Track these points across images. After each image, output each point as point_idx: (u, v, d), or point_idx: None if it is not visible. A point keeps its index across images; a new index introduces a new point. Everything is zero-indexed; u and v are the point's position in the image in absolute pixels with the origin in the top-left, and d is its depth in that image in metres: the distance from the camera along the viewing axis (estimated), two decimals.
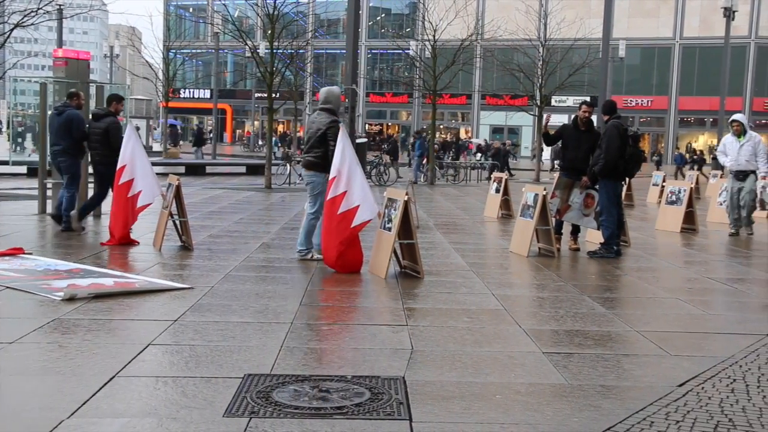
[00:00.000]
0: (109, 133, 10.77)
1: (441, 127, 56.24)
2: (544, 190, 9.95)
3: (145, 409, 3.99)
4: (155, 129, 58.14)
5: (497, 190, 15.46)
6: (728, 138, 12.99)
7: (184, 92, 62.54)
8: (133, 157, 9.88)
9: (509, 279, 8.65)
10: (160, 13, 53.79)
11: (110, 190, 10.62)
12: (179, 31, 45.12)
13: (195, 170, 27.27)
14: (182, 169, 26.47)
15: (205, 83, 62.67)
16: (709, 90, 48.67)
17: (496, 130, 59.29)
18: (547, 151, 36.92)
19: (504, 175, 16.19)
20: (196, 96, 65.84)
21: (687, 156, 38.25)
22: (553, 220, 10.18)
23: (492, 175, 18.26)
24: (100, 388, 4.25)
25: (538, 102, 31.23)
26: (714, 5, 42.28)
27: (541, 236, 10.07)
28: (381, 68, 64.29)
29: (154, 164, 10.72)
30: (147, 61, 40.23)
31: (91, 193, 11.78)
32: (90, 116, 11.43)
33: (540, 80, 31.26)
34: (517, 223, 10.45)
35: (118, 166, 9.96)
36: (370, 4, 62.38)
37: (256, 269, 8.44)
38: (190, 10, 63.66)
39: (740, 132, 12.68)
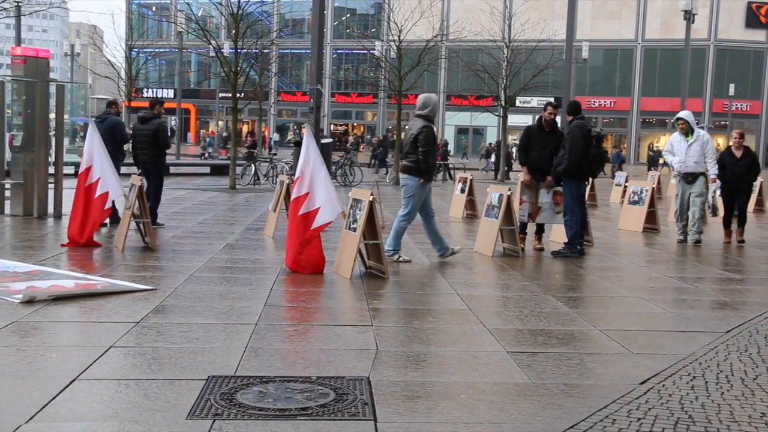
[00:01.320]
0: (158, 134, 11.81)
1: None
2: (509, 190, 10.00)
3: (106, 412, 3.94)
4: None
5: (462, 191, 15.52)
6: (675, 137, 12.04)
7: (147, 92, 61.84)
8: (99, 157, 9.76)
9: (474, 279, 8.68)
10: (122, 12, 53.02)
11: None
12: (142, 30, 44.64)
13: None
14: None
15: (168, 83, 62.08)
16: (670, 91, 49.35)
17: (461, 131, 59.57)
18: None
19: (469, 176, 16.24)
20: (159, 95, 65.16)
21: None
22: (518, 221, 10.23)
23: (458, 176, 18.30)
24: (60, 392, 4.19)
25: (503, 103, 31.42)
26: (674, 8, 42.96)
27: (505, 236, 10.13)
28: (346, 68, 64.23)
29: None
30: (109, 60, 39.67)
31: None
32: (137, 120, 12.20)
33: (504, 81, 31.46)
34: (482, 223, 10.50)
35: (83, 167, 9.84)
36: (335, 4, 62.29)
37: (220, 270, 8.38)
38: (153, 8, 63.00)
39: (686, 130, 11.75)
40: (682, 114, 12.06)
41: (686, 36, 29.95)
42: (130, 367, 4.82)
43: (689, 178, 11.76)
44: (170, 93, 62.06)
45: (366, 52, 43.19)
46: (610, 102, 56.66)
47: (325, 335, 5.75)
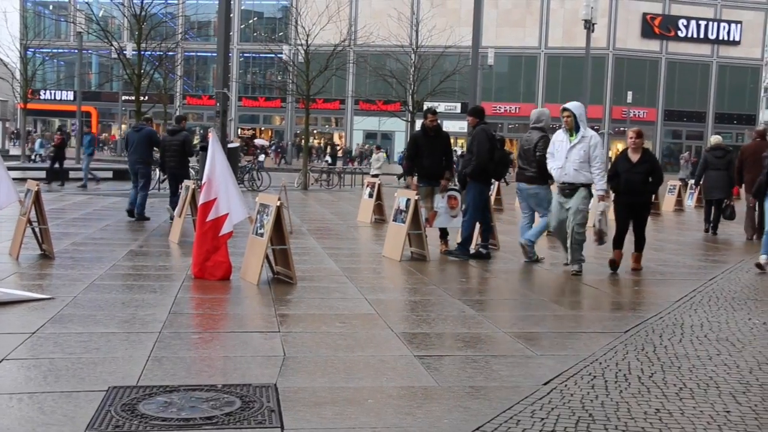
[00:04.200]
0: (185, 145, 13.94)
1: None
2: (417, 195, 10.09)
3: None
4: (14, 132, 55.39)
5: (370, 195, 15.56)
6: (558, 135, 9.34)
7: (45, 93, 59.80)
8: None
9: (382, 283, 8.71)
10: (15, 10, 51.02)
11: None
12: (38, 30, 43.09)
13: (57, 175, 26.01)
14: (42, 174, 25.23)
15: (67, 84, 60.14)
16: (572, 97, 49.47)
17: (370, 135, 59.84)
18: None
19: (377, 181, 16.29)
20: (58, 98, 63.08)
21: None
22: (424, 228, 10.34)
23: (366, 180, 18.35)
24: None
25: (411, 108, 31.71)
26: (575, 18, 44.23)
27: (413, 240, 10.20)
28: (254, 72, 63.62)
29: (11, 169, 10.20)
30: (1, 60, 38.07)
31: None
32: (166, 132, 14.68)
33: (412, 86, 31.78)
34: (390, 227, 10.55)
35: None
36: (242, 7, 61.64)
37: (122, 277, 8.15)
38: (50, 7, 60.90)
39: (572, 126, 9.12)
40: (570, 105, 9.31)
41: (586, 44, 30.88)
42: (23, 380, 4.62)
43: (566, 189, 9.15)
44: (70, 95, 60.18)
45: (273, 55, 42.90)
46: (515, 108, 57.94)
47: (231, 342, 5.66)
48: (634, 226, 9.67)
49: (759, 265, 9.82)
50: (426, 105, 33.86)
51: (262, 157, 35.70)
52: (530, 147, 9.80)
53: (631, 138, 9.74)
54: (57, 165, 24.18)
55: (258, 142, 47.11)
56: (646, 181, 9.55)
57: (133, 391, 4.34)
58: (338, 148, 53.90)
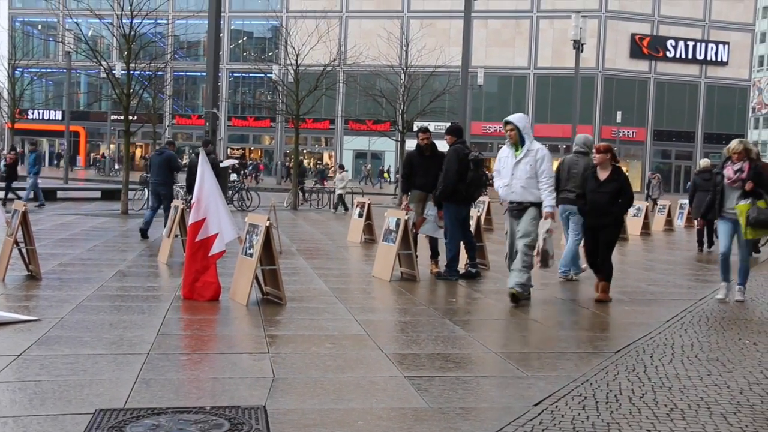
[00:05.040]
0: (214, 167, 14.65)
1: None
2: (407, 215, 10.07)
3: None
4: (4, 153, 55.22)
5: (360, 215, 15.54)
6: (503, 151, 8.68)
7: (33, 113, 59.68)
8: None
9: (372, 304, 8.68)
10: (3, 29, 50.97)
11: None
12: (27, 49, 43.01)
13: (44, 195, 25.86)
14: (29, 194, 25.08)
15: (56, 104, 60.03)
16: (562, 117, 51.13)
17: (360, 155, 59.96)
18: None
19: (367, 200, 16.25)
20: (46, 117, 63.00)
21: None
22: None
23: (355, 200, 18.33)
24: None
25: (401, 127, 31.78)
26: (564, 38, 44.58)
27: (403, 261, 10.18)
28: (243, 92, 63.77)
29: None
30: None
31: None
32: (195, 156, 15.29)
33: (402, 106, 31.85)
34: (380, 247, 10.53)
35: None
36: (232, 27, 61.86)
37: (110, 299, 8.09)
38: (39, 27, 60.91)
39: (516, 140, 8.46)
40: (512, 117, 8.58)
41: (576, 65, 31.13)
42: (8, 403, 4.56)
43: (515, 210, 8.52)
44: (58, 115, 60.10)
45: (263, 75, 42.98)
46: None
47: (220, 364, 5.62)
48: (599, 250, 8.78)
49: (738, 301, 8.95)
50: (416, 125, 33.99)
51: (233, 177, 35.46)
52: (578, 171, 10.10)
53: (595, 154, 9.04)
54: (9, 183, 23.62)
55: (227, 162, 46.74)
56: (612, 201, 8.70)
57: (121, 414, 4.29)
58: (311, 165, 53.81)
